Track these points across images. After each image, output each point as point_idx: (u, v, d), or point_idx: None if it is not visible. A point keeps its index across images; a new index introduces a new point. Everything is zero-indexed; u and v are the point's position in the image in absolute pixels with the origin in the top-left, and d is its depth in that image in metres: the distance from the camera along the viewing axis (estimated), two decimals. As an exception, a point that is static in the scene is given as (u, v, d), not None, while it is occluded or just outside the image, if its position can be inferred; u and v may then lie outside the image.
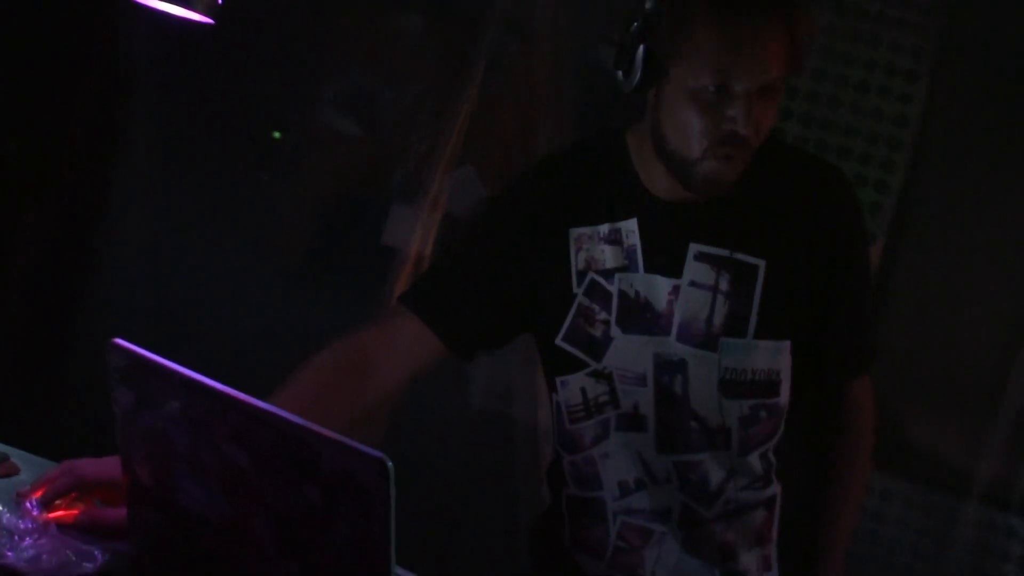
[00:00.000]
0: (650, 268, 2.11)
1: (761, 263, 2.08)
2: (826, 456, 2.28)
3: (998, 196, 3.61)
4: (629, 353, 2.13)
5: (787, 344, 2.12)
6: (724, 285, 2.08)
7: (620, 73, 2.05)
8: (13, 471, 2.02)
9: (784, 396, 2.15)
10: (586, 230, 2.14)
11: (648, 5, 1.99)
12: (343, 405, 2.13)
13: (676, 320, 2.10)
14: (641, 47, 2.00)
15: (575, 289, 2.15)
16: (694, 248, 2.09)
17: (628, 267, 2.12)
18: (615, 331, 2.13)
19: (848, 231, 2.16)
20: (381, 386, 2.19)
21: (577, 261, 2.14)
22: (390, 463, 1.41)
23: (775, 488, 2.19)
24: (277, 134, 4.08)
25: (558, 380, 2.21)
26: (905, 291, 3.65)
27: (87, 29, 3.95)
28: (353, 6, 3.88)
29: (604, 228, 2.13)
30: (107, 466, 1.88)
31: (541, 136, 3.79)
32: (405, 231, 3.87)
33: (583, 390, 2.18)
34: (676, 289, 2.09)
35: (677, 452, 2.14)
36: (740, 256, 2.08)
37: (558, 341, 2.18)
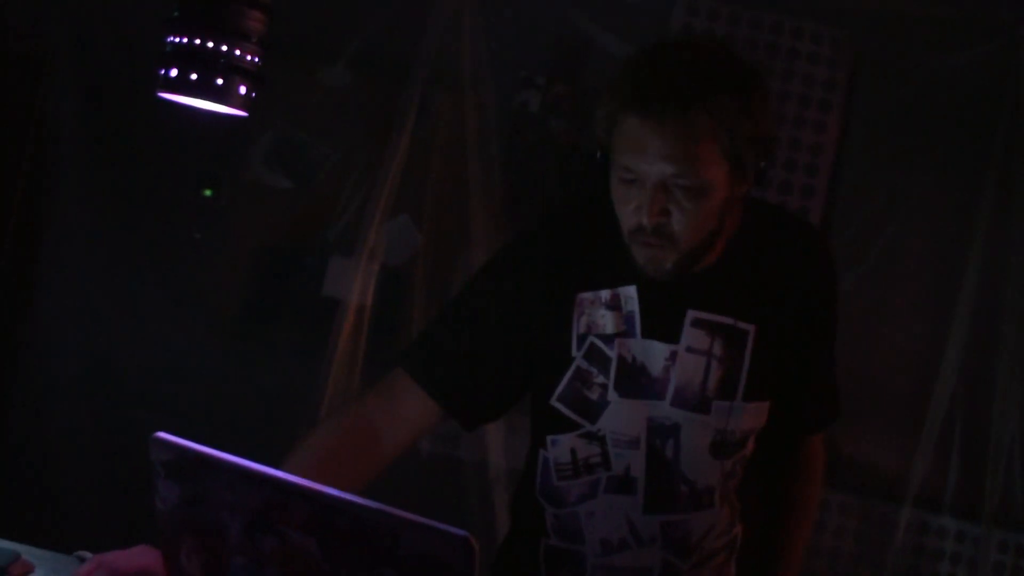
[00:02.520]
0: (647, 334, 2.15)
1: (751, 328, 2.14)
2: (784, 499, 2.38)
3: (914, 217, 3.78)
4: (624, 417, 2.16)
5: (768, 404, 2.20)
6: (718, 350, 2.13)
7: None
8: (29, 569, 2.00)
9: (751, 446, 2.23)
10: (589, 295, 2.16)
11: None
12: (351, 474, 2.12)
13: (672, 385, 2.14)
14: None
15: (574, 352, 2.17)
16: (691, 315, 2.13)
17: (627, 332, 2.15)
18: (612, 395, 2.16)
19: (827, 295, 2.25)
20: (386, 454, 2.20)
21: (579, 325, 2.17)
22: (474, 541, 1.44)
23: (737, 529, 2.27)
24: (209, 192, 4.06)
25: (549, 438, 2.24)
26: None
27: (14, 90, 3.90)
28: (279, 60, 3.90)
29: (605, 294, 2.16)
30: (139, 558, 1.88)
31: (472, 181, 3.85)
32: (345, 282, 3.88)
33: (573, 451, 2.20)
34: (673, 355, 2.14)
35: (664, 513, 2.20)
36: (732, 321, 2.14)
37: (552, 401, 2.20)
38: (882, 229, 3.76)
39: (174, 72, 2.14)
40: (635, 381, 2.15)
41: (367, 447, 2.17)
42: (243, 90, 2.24)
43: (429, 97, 3.88)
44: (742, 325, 2.15)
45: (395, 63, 3.90)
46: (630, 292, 2.15)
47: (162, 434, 1.70)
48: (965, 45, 3.63)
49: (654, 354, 2.15)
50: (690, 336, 2.14)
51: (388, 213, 3.88)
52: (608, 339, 2.16)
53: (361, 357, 3.80)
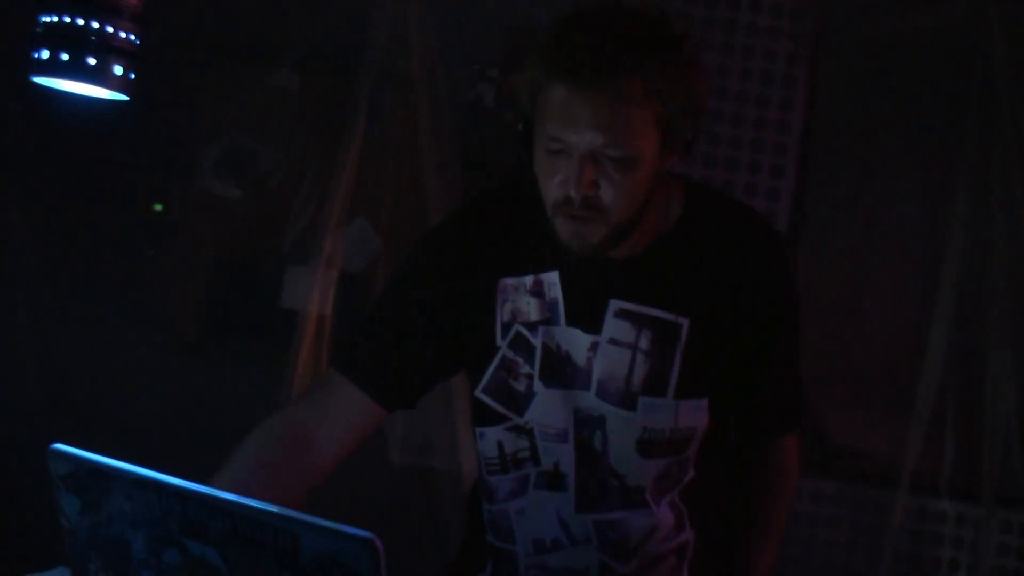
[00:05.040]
0: (571, 322, 2.05)
1: (684, 322, 2.02)
2: (751, 507, 2.23)
3: (890, 190, 3.68)
4: (550, 408, 2.07)
5: (705, 402, 2.08)
6: (644, 343, 2.02)
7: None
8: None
9: (693, 448, 2.11)
10: (512, 281, 2.07)
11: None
12: (288, 483, 2.02)
13: (595, 376, 2.04)
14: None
15: (499, 341, 2.08)
16: (614, 305, 2.03)
17: (551, 320, 2.06)
18: (538, 385, 2.07)
19: (776, 290, 2.10)
20: (324, 458, 2.08)
21: (502, 313, 2.08)
22: (379, 542, 1.35)
23: (688, 535, 2.15)
24: (159, 206, 3.98)
25: (477, 431, 2.16)
26: (808, 294, 3.67)
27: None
28: (224, 65, 3.81)
29: (528, 279, 2.06)
30: (56, 581, 1.79)
31: (429, 180, 3.76)
32: (303, 292, 3.79)
33: (499, 444, 2.12)
34: (595, 345, 2.03)
35: (597, 511, 2.09)
36: (662, 314, 2.03)
37: (478, 393, 2.12)
38: (857, 205, 3.66)
39: (45, 53, 2.04)
40: (560, 371, 2.05)
41: (301, 451, 2.05)
42: (119, 70, 2.13)
43: (379, 95, 3.79)
44: (674, 318, 2.02)
45: (342, 62, 3.81)
46: (552, 278, 2.05)
47: (59, 445, 1.61)
48: (930, 7, 3.52)
49: (577, 343, 2.05)
50: (612, 327, 2.03)
51: (344, 218, 3.79)
52: (532, 327, 2.06)
53: (324, 367, 3.70)
